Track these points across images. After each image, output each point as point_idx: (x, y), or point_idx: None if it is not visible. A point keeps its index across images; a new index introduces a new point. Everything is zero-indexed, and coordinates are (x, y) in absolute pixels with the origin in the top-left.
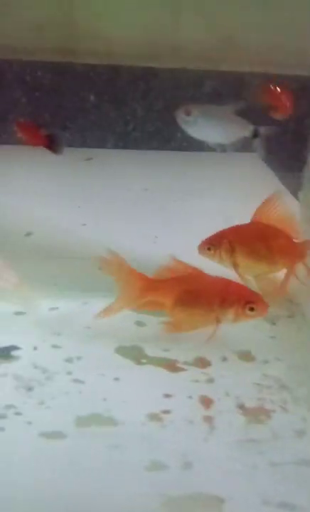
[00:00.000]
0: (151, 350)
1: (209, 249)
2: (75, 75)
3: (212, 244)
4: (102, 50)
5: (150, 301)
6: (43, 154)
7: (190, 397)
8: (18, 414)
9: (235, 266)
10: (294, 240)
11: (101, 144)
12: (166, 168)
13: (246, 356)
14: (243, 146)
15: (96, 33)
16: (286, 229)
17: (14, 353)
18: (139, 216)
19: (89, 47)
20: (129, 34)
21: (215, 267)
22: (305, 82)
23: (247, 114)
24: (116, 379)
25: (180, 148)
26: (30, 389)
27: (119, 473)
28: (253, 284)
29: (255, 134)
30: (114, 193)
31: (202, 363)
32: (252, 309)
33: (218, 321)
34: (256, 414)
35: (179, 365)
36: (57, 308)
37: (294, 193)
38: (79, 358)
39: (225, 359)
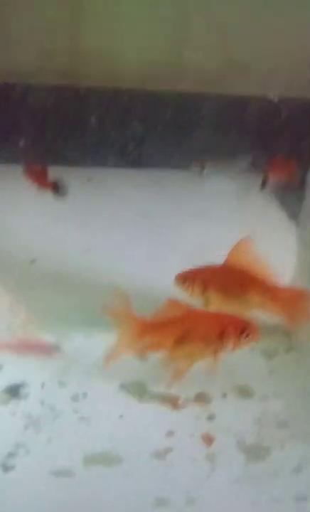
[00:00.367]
0: (153, 386)
1: (184, 282)
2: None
3: (187, 279)
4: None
5: (150, 343)
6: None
7: (192, 435)
8: (28, 452)
9: (207, 303)
10: (269, 283)
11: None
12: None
13: (246, 392)
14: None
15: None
16: (257, 272)
17: (23, 390)
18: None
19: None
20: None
21: None
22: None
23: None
24: (121, 416)
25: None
26: (38, 427)
27: (126, 509)
28: None
29: (263, 183)
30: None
31: (203, 399)
32: (247, 336)
33: (216, 352)
34: (256, 451)
35: (181, 401)
36: (62, 344)
37: (293, 216)
38: (84, 395)
39: (225, 395)
